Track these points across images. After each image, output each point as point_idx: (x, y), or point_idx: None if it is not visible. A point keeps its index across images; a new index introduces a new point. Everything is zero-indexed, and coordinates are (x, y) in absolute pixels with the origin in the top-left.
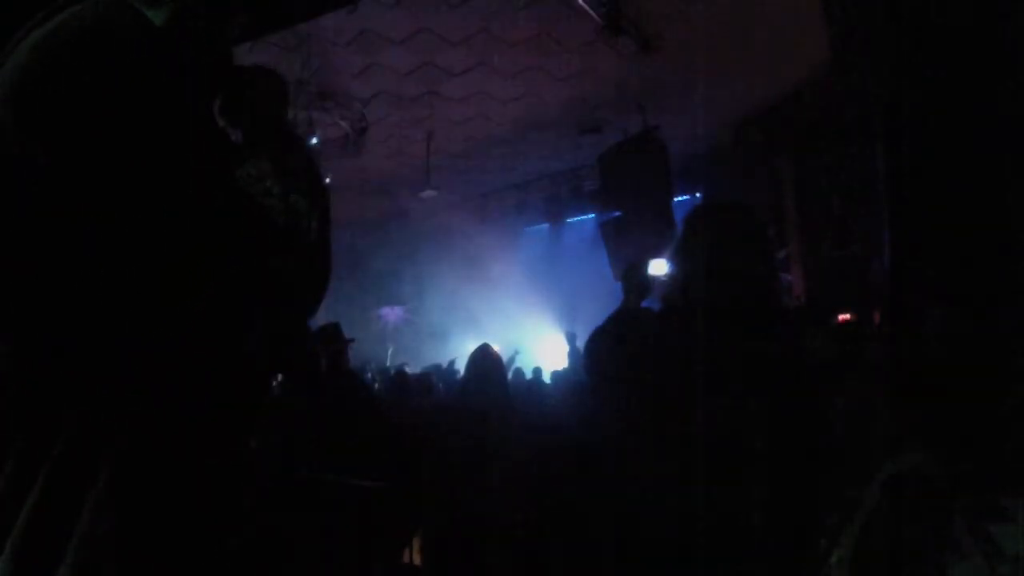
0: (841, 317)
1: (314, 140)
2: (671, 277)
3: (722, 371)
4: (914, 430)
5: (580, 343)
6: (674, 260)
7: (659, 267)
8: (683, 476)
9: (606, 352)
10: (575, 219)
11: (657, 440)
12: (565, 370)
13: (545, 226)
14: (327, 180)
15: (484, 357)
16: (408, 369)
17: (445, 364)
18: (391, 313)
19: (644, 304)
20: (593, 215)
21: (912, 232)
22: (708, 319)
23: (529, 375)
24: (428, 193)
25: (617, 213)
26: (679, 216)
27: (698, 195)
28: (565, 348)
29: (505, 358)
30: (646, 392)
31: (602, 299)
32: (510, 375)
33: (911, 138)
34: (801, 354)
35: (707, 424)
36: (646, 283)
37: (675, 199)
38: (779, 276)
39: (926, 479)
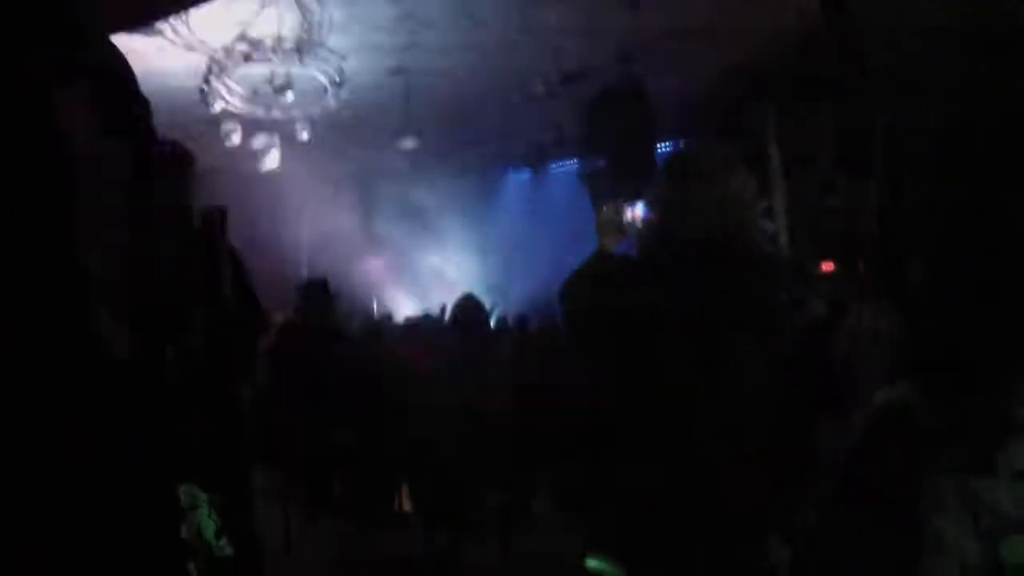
0: (824, 266)
1: (290, 96)
2: (649, 221)
3: (701, 318)
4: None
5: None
6: (653, 205)
7: (637, 212)
8: (669, 424)
9: (580, 298)
10: (559, 167)
11: (639, 391)
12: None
13: (527, 174)
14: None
15: (469, 308)
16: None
17: (436, 313)
18: (374, 263)
19: (621, 248)
20: (576, 163)
21: (900, 185)
22: (686, 264)
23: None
24: (408, 143)
25: (600, 162)
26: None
27: (681, 144)
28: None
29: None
30: (624, 340)
31: (587, 246)
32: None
33: (904, 90)
34: (782, 301)
35: (690, 373)
36: (622, 226)
37: (659, 148)
38: (760, 222)
39: (912, 413)
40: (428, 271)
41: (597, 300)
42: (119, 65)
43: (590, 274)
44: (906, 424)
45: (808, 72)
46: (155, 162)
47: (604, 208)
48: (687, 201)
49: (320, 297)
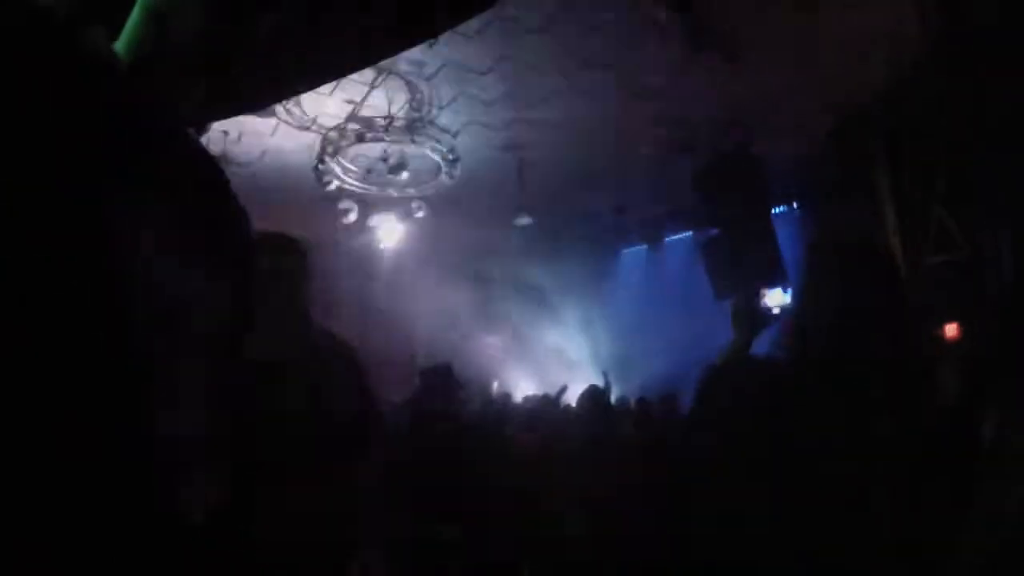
0: (948, 329)
1: (405, 174)
2: (790, 320)
3: (851, 423)
4: None
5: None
6: (797, 299)
7: (775, 299)
8: (810, 536)
9: (720, 403)
10: (673, 239)
11: (780, 502)
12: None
13: (643, 247)
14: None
15: (592, 400)
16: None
17: (553, 395)
18: (491, 342)
19: (759, 342)
20: (691, 234)
21: None
22: (836, 366)
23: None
24: (523, 220)
25: (715, 231)
26: (779, 229)
27: (795, 206)
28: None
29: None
30: (767, 451)
31: (704, 318)
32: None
33: None
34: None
35: (838, 482)
36: (758, 318)
37: (774, 211)
38: (907, 309)
39: None
40: (546, 349)
41: (739, 407)
42: (214, 196)
43: (729, 376)
44: None
45: (916, 121)
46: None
47: (738, 299)
48: (836, 290)
49: (443, 384)
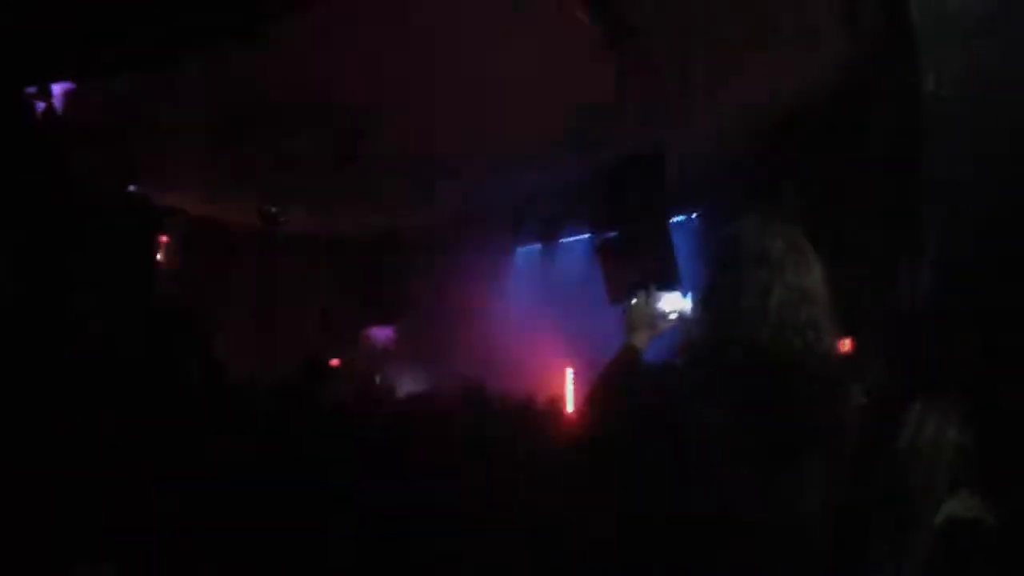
0: (843, 344)
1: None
2: (695, 316)
3: (758, 439)
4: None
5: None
6: (701, 296)
7: (672, 302)
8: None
9: (609, 411)
10: (569, 239)
11: (675, 521)
12: None
13: (537, 247)
14: None
15: (470, 392)
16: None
17: (435, 390)
18: (380, 334)
19: (653, 346)
20: (588, 235)
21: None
22: (744, 375)
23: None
24: (423, 210)
25: (612, 233)
26: (677, 237)
27: (695, 215)
28: None
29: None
30: (665, 465)
31: (599, 322)
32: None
33: (955, 146)
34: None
35: (736, 502)
36: (655, 321)
37: (672, 219)
38: (832, 321)
39: (980, 526)
40: (437, 343)
41: (632, 416)
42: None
43: (621, 383)
44: (977, 539)
45: (821, 132)
46: None
47: (635, 300)
48: (749, 293)
49: (315, 376)
